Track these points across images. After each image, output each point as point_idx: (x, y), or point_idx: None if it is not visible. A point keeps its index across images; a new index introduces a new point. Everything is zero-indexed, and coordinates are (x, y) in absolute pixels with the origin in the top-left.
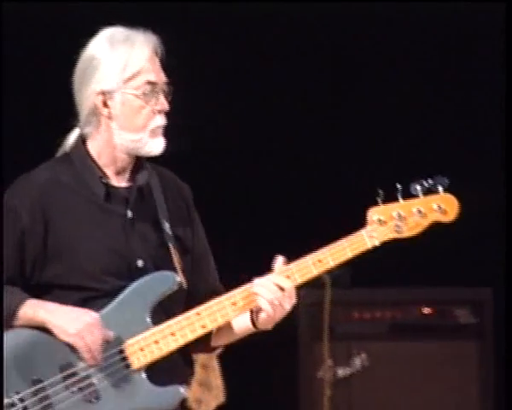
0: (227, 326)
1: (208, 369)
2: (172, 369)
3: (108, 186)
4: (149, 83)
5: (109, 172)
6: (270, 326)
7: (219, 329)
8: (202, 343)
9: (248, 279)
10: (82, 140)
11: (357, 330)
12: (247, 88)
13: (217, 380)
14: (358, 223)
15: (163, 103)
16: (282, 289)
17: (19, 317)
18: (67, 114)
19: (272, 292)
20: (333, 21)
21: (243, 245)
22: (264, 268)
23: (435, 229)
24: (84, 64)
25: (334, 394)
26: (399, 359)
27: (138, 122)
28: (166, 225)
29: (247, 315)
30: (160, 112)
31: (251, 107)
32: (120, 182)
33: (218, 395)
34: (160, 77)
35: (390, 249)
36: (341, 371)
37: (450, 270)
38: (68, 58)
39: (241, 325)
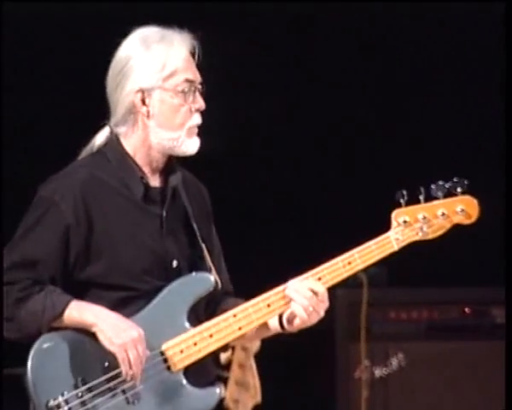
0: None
1: (245, 368)
2: (202, 369)
3: (147, 186)
4: (187, 81)
5: (145, 171)
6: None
7: None
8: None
9: (268, 282)
10: (116, 139)
11: (395, 330)
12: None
13: (254, 380)
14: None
15: (200, 102)
16: (315, 293)
17: (63, 319)
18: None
19: (307, 298)
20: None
21: (257, 247)
22: (283, 269)
23: (473, 228)
24: (119, 64)
25: (371, 394)
26: (436, 359)
27: (176, 120)
28: (195, 226)
29: (275, 322)
30: (197, 110)
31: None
32: (154, 182)
33: (255, 394)
34: (197, 76)
35: (426, 249)
36: (378, 372)
37: (486, 269)
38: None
39: (267, 326)
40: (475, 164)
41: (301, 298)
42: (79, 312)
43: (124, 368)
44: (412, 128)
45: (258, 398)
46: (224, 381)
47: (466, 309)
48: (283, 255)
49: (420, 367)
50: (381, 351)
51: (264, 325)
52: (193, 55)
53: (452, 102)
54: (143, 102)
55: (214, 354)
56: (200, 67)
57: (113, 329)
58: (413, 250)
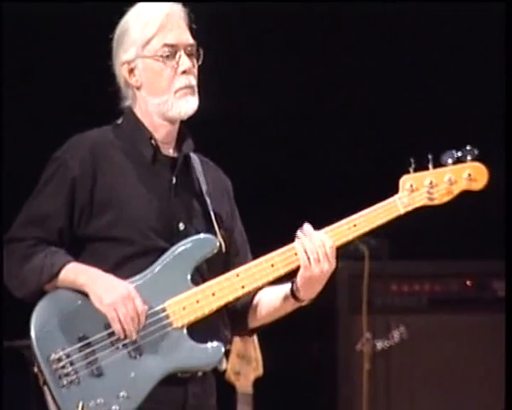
0: (265, 304)
1: (247, 341)
2: (213, 332)
3: (156, 149)
4: (166, 45)
5: (156, 138)
6: (309, 296)
7: (257, 308)
8: (239, 324)
9: None
10: (130, 109)
11: (396, 302)
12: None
13: (255, 352)
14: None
15: (183, 64)
16: (323, 244)
17: (60, 279)
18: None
19: (314, 243)
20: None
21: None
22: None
23: (475, 201)
24: (115, 37)
25: (373, 366)
26: (438, 331)
27: (161, 85)
28: (207, 199)
29: (287, 288)
30: (183, 72)
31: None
32: (167, 151)
33: (256, 367)
34: (181, 38)
35: (428, 222)
36: (380, 344)
37: (488, 242)
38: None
39: (281, 300)
40: (480, 136)
41: (309, 242)
42: (75, 273)
43: (115, 326)
44: (412, 126)
45: (260, 371)
46: (226, 354)
47: (467, 282)
48: (287, 224)
49: (421, 340)
50: (382, 324)
51: (277, 301)
52: (179, 16)
53: (451, 103)
54: (131, 73)
55: (225, 319)
56: (194, 30)
57: (103, 289)
58: (414, 223)
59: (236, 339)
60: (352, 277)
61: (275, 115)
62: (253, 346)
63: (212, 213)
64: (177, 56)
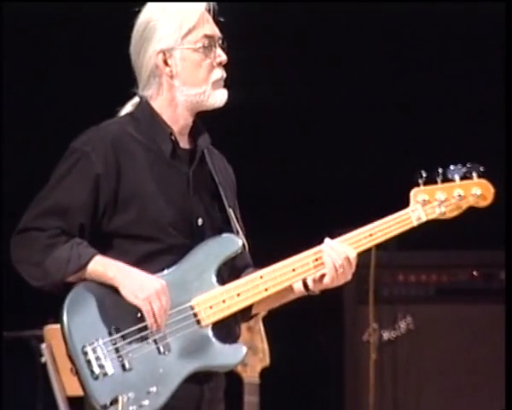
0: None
1: (253, 332)
2: (228, 328)
3: (175, 144)
4: (206, 36)
5: (174, 130)
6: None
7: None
8: (244, 312)
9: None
10: (145, 101)
11: (403, 293)
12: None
13: (262, 343)
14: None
15: (221, 55)
16: (348, 256)
17: (88, 271)
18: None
19: (341, 258)
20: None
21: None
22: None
23: None
24: (140, 28)
25: (380, 357)
26: (444, 322)
27: (200, 75)
28: (222, 192)
29: (299, 284)
30: (219, 64)
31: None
32: (183, 143)
33: (263, 358)
34: (215, 31)
35: None
36: (387, 335)
37: (495, 232)
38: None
39: (291, 290)
40: (487, 134)
41: (336, 256)
42: (103, 266)
43: (149, 320)
44: (413, 124)
45: (267, 361)
46: None
47: (474, 272)
48: (300, 230)
49: (428, 330)
50: (389, 314)
51: (289, 289)
52: (209, 11)
53: (451, 102)
54: (166, 62)
55: (236, 315)
56: (218, 22)
57: (137, 283)
58: None
59: (243, 330)
60: (359, 267)
61: (285, 114)
62: (259, 337)
63: (230, 209)
64: (214, 48)
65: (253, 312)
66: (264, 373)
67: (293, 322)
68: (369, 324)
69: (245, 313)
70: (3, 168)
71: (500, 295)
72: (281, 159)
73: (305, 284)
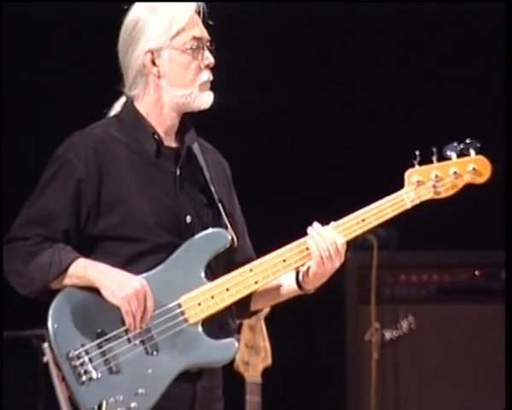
0: (268, 288)
1: (255, 331)
2: (221, 324)
3: (159, 143)
4: (195, 38)
5: (158, 131)
6: (315, 286)
7: (260, 292)
8: (242, 308)
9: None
10: (130, 102)
11: (405, 292)
12: None
13: (264, 343)
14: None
15: (209, 58)
16: (335, 241)
17: (69, 274)
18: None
19: (326, 242)
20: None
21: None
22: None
23: (484, 191)
24: (129, 27)
25: (381, 356)
26: (446, 322)
27: (187, 77)
28: (212, 188)
29: (292, 276)
30: (206, 67)
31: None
32: (169, 142)
33: (265, 357)
34: (204, 33)
35: (436, 212)
36: (388, 334)
37: (497, 232)
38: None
39: (284, 286)
40: (486, 127)
41: (321, 240)
42: (85, 268)
43: (128, 320)
44: (416, 122)
45: (269, 361)
46: None
47: (476, 272)
48: (296, 217)
49: (430, 330)
50: (391, 314)
51: (282, 288)
52: (198, 13)
53: (451, 102)
54: (153, 62)
55: (231, 310)
56: (207, 25)
57: (116, 283)
58: (423, 213)
59: (245, 329)
60: (361, 267)
61: (282, 111)
62: (261, 336)
63: (219, 204)
64: (202, 51)
65: (253, 308)
66: (266, 373)
67: (295, 322)
68: (371, 323)
69: (242, 309)
70: (3, 168)
71: (502, 294)
72: (279, 151)
73: (298, 283)
